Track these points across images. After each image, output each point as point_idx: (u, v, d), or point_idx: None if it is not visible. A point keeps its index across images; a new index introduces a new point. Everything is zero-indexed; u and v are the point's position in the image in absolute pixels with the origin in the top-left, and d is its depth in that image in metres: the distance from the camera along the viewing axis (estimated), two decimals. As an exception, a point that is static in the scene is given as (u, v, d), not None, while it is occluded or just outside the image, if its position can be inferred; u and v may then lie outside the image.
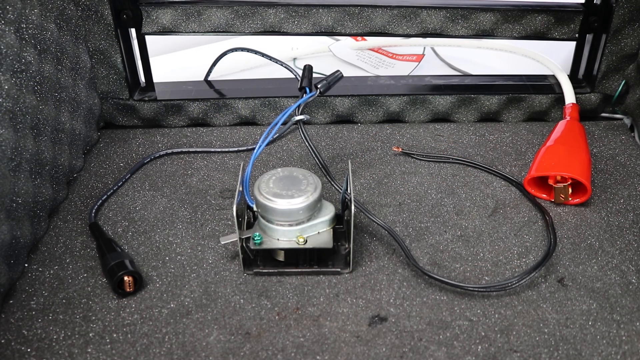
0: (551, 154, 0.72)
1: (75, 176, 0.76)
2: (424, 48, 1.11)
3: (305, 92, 0.67)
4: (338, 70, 0.69)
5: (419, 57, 1.09)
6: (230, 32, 0.82)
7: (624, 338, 0.54)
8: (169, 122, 0.86)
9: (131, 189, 0.74)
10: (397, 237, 0.63)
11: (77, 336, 0.55)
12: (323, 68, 1.04)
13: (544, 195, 0.71)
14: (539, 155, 0.73)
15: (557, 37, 0.82)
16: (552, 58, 0.91)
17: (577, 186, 0.69)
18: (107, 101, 0.84)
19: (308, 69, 0.69)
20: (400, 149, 0.79)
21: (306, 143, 0.67)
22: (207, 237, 0.66)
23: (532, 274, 0.60)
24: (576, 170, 0.68)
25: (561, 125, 0.77)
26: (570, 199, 0.69)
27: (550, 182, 0.69)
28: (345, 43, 1.14)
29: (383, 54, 1.11)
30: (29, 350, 0.54)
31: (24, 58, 0.64)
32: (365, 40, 1.14)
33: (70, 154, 0.74)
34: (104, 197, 0.72)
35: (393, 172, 0.76)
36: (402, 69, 1.07)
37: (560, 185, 0.68)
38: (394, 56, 1.10)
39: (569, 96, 0.81)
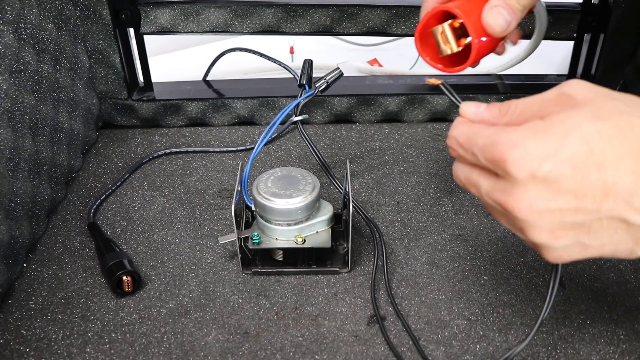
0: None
1: (73, 176, 0.76)
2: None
3: (305, 90, 0.67)
4: (338, 68, 0.69)
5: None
6: (228, 31, 0.82)
7: (622, 337, 0.54)
8: (168, 122, 0.86)
9: (130, 188, 0.74)
10: (384, 247, 0.63)
11: (75, 336, 0.55)
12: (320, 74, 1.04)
13: (440, 66, 0.58)
14: None
15: (555, 36, 0.82)
16: (551, 57, 0.91)
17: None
18: (106, 101, 0.84)
19: (308, 64, 0.68)
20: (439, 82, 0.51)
21: (306, 142, 0.67)
22: (205, 237, 0.66)
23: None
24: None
25: None
26: (457, 47, 0.55)
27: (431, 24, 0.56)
28: (355, 64, 1.13)
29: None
30: (27, 350, 0.54)
31: (22, 58, 0.64)
32: (381, 66, 1.12)
33: (69, 153, 0.74)
34: (103, 197, 0.72)
35: (391, 171, 0.76)
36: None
37: (441, 27, 0.54)
38: None
39: None
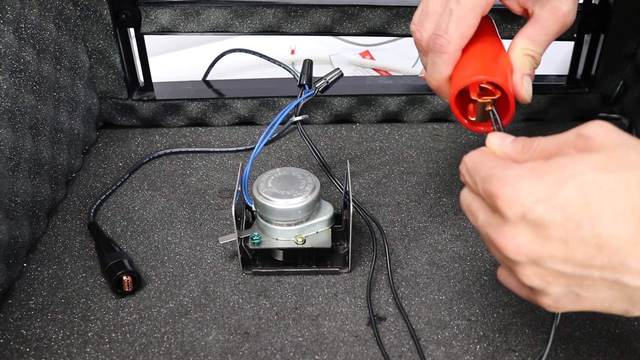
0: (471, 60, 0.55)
1: (74, 176, 0.76)
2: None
3: (305, 90, 0.67)
4: (338, 69, 0.69)
5: None
6: (229, 31, 0.82)
7: (622, 337, 0.54)
8: (168, 122, 0.86)
9: (130, 188, 0.74)
10: (386, 245, 0.63)
11: (75, 336, 0.55)
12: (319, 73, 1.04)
13: (482, 128, 0.56)
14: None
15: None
16: (550, 58, 0.91)
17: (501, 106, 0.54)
18: (106, 101, 0.84)
19: (308, 64, 0.68)
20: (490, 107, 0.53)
21: (307, 142, 0.67)
22: (205, 237, 0.66)
23: None
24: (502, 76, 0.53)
25: None
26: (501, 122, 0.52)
27: (473, 95, 0.53)
28: (347, 56, 1.13)
29: (379, 72, 1.11)
30: (27, 350, 0.54)
31: (22, 58, 0.64)
32: (373, 59, 1.13)
33: (69, 153, 0.74)
34: (103, 197, 0.72)
35: (391, 171, 0.76)
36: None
37: (488, 99, 0.53)
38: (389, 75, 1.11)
39: None
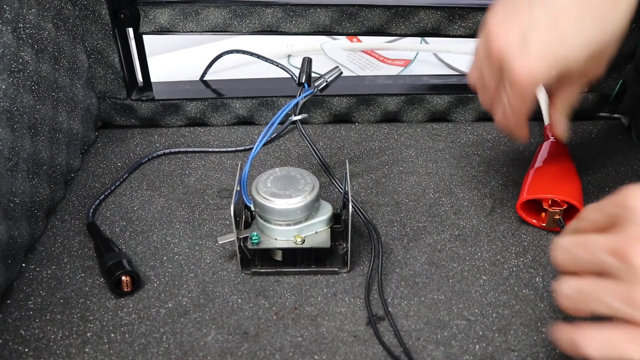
0: (544, 176, 0.67)
1: (72, 176, 0.76)
2: (417, 53, 1.11)
3: (304, 89, 0.67)
4: (337, 67, 0.68)
5: (406, 62, 1.10)
6: (227, 31, 0.82)
7: (621, 337, 0.54)
8: (167, 122, 0.86)
9: (129, 188, 0.74)
10: (380, 249, 0.63)
11: (74, 336, 0.55)
12: (314, 66, 1.04)
13: (534, 221, 0.67)
14: (528, 177, 0.67)
15: (555, 36, 0.82)
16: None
17: (568, 212, 0.65)
18: (105, 101, 0.84)
19: (307, 62, 0.68)
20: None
21: (306, 142, 0.67)
22: (204, 237, 0.66)
23: None
24: (574, 196, 0.64)
25: (546, 146, 0.71)
26: (565, 225, 0.64)
27: (545, 205, 0.64)
28: (338, 43, 1.15)
29: (374, 57, 1.11)
30: (26, 350, 0.54)
31: (21, 58, 0.63)
32: (360, 41, 1.14)
33: (68, 153, 0.74)
34: (102, 197, 0.72)
35: (391, 171, 0.76)
36: (388, 72, 1.07)
37: (556, 209, 0.64)
38: (384, 60, 1.11)
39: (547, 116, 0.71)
